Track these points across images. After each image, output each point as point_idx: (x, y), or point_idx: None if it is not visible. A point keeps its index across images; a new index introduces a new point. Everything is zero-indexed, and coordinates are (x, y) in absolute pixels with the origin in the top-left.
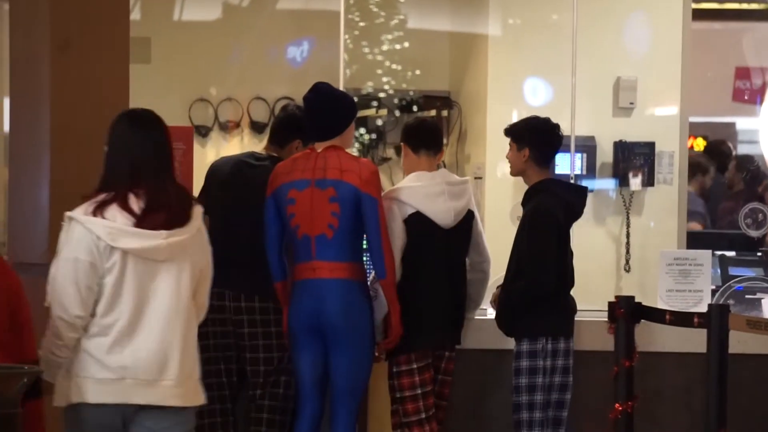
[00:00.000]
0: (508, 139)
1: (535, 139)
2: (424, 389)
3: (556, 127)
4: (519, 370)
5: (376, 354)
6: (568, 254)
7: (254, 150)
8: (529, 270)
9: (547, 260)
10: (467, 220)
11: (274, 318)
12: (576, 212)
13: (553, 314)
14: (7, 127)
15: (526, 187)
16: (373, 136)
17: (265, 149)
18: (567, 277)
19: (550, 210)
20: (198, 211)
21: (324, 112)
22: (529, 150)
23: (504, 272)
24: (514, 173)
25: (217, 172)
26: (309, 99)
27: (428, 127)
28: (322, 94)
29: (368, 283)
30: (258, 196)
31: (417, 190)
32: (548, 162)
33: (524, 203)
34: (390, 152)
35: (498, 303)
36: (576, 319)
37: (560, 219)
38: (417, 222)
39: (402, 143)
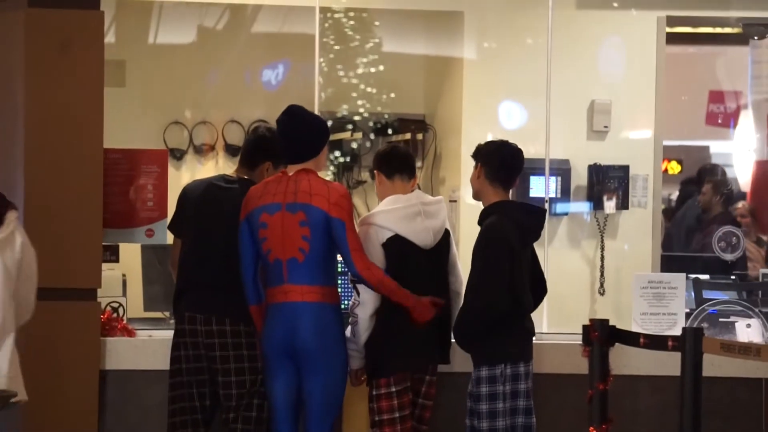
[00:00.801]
0: None
1: (486, 155)
2: (402, 413)
3: (514, 149)
4: (479, 396)
5: (361, 379)
6: (524, 276)
7: (226, 173)
8: (480, 292)
9: (497, 282)
10: (446, 240)
11: (246, 341)
12: (531, 234)
13: (511, 339)
14: None
15: None
16: (348, 159)
17: (235, 172)
18: (524, 300)
19: (501, 231)
20: (12, 216)
21: (297, 135)
22: (481, 166)
23: None
24: (473, 194)
25: (188, 195)
26: (282, 122)
27: (400, 153)
28: (295, 117)
29: (348, 308)
30: (228, 219)
31: (393, 212)
32: (503, 182)
33: (479, 224)
34: (365, 175)
35: (455, 324)
36: (551, 342)
37: (512, 241)
38: (396, 245)
39: (375, 171)
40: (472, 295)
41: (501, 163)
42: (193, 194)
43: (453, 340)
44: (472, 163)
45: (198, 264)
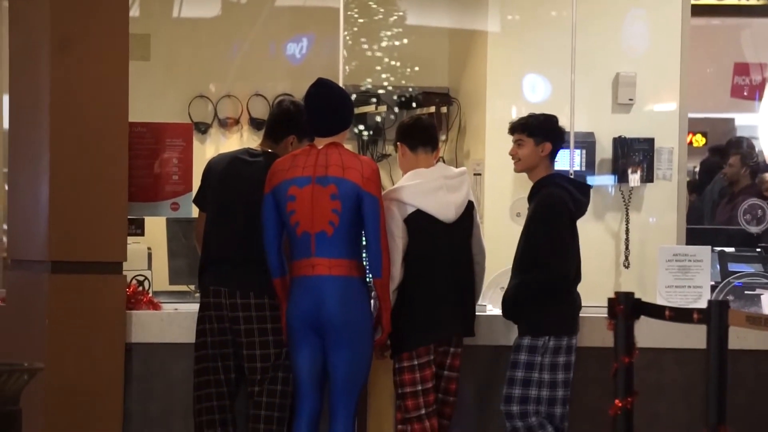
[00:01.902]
0: (506, 134)
1: (557, 134)
2: (425, 386)
3: None
4: (516, 363)
5: (385, 354)
6: (577, 248)
7: (250, 146)
8: (549, 261)
9: (566, 251)
10: (468, 212)
11: (270, 314)
12: (583, 207)
13: (558, 312)
14: (6, 125)
15: (526, 183)
16: (372, 132)
17: (260, 145)
18: (576, 272)
19: (563, 201)
20: None
21: (329, 108)
22: (551, 145)
23: (503, 268)
24: (524, 169)
25: (212, 169)
26: (313, 95)
27: (424, 125)
28: (326, 90)
29: (372, 281)
30: (252, 193)
31: (415, 187)
32: (555, 157)
33: (531, 197)
34: (389, 149)
35: (507, 294)
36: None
37: (572, 211)
38: (418, 220)
39: (398, 143)
40: (536, 266)
41: (563, 137)
42: (217, 168)
43: (477, 313)
44: (497, 135)
45: (222, 238)
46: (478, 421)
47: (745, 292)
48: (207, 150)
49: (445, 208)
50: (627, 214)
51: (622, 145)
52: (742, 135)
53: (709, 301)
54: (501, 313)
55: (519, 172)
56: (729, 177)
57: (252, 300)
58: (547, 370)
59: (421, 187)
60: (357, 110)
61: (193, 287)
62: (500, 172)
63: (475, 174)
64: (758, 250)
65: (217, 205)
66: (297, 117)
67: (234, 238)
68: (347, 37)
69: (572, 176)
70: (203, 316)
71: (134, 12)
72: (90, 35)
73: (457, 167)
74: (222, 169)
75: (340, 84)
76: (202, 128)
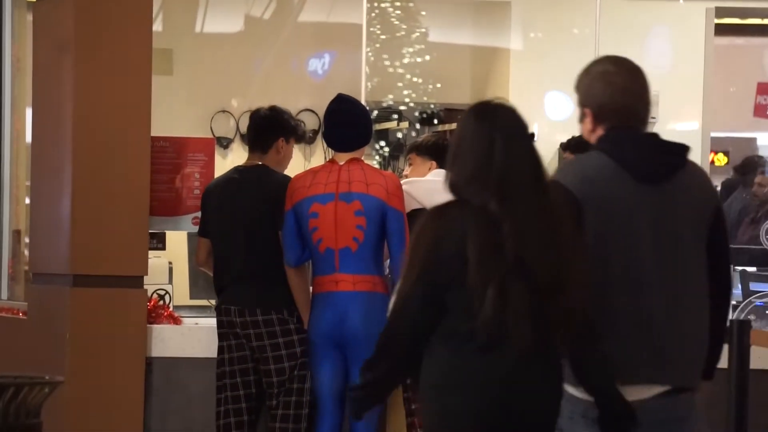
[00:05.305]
0: None
1: None
2: None
3: None
4: None
5: None
6: None
7: (238, 165)
8: None
9: None
10: None
11: (280, 329)
12: None
13: None
14: (29, 138)
15: None
16: (393, 148)
17: (248, 160)
18: None
19: None
20: None
21: (351, 124)
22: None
23: None
24: None
25: (209, 196)
26: (336, 111)
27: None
28: (349, 105)
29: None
30: (246, 211)
31: (424, 183)
32: None
33: None
34: None
35: None
36: None
37: None
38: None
39: (433, 161)
40: None
41: None
42: (213, 194)
43: None
44: None
45: (228, 261)
46: None
47: (767, 311)
48: (228, 165)
49: None
50: None
51: None
52: (761, 154)
53: (731, 321)
54: None
55: None
56: (761, 197)
57: (260, 317)
58: None
59: (430, 185)
60: (378, 126)
61: (213, 302)
62: None
63: None
64: None
65: (217, 231)
66: (278, 118)
67: (237, 259)
68: (369, 54)
69: None
70: (221, 334)
71: (157, 27)
72: (113, 50)
73: None
74: (216, 195)
75: (362, 100)
76: (224, 143)
